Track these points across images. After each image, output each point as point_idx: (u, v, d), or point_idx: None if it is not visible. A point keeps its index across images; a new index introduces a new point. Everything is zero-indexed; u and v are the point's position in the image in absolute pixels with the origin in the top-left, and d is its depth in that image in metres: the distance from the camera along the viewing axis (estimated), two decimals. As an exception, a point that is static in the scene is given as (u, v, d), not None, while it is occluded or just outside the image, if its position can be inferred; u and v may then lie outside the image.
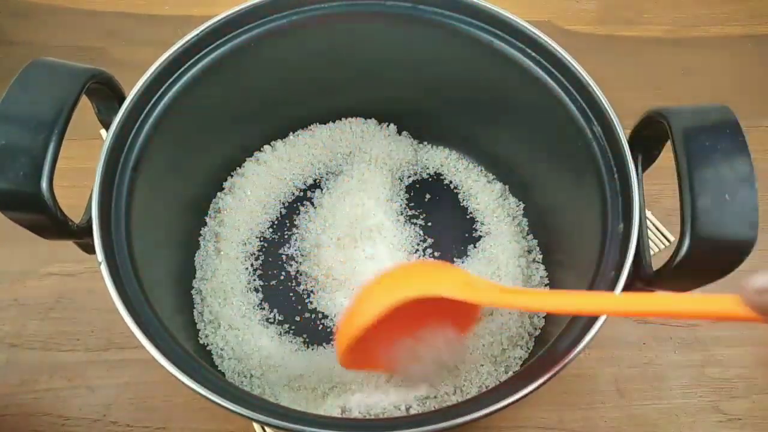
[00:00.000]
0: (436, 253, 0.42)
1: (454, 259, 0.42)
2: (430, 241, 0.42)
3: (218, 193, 0.43)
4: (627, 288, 0.29)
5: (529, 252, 0.41)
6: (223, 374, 0.37)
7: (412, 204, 0.44)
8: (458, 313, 0.32)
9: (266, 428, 0.38)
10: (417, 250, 0.42)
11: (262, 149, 0.44)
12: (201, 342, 0.38)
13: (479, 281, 0.28)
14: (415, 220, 0.43)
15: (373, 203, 0.42)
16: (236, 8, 0.35)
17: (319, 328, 0.39)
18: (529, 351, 0.37)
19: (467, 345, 0.36)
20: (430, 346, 0.33)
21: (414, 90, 0.42)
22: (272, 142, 0.44)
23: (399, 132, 0.46)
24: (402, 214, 0.43)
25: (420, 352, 0.33)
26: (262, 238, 0.42)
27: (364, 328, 0.28)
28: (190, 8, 0.56)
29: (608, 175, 0.32)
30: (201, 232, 0.41)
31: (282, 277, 0.41)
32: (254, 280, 0.41)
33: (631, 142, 0.32)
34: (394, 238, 0.41)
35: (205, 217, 0.42)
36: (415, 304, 0.28)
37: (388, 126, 0.45)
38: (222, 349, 0.37)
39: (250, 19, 0.36)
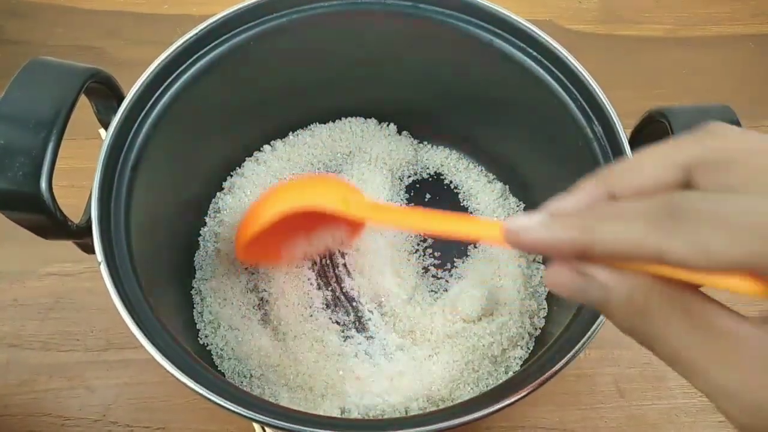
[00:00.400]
0: (436, 253, 0.42)
1: (455, 259, 0.42)
2: (430, 241, 0.42)
3: (218, 193, 0.43)
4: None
5: (530, 252, 0.41)
6: (223, 374, 0.37)
7: (412, 204, 0.44)
8: (347, 221, 0.36)
9: (266, 428, 0.38)
10: (417, 250, 0.42)
11: (261, 149, 0.44)
12: (201, 342, 0.38)
13: (355, 198, 0.32)
14: (415, 220, 0.43)
15: (373, 203, 0.42)
16: (236, 7, 0.35)
17: (319, 328, 0.39)
18: (529, 351, 0.37)
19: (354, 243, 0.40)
20: (319, 243, 0.38)
21: (414, 89, 0.42)
22: (272, 142, 0.44)
23: (399, 132, 0.46)
24: (402, 213, 0.43)
25: (310, 249, 0.39)
26: (261, 238, 0.42)
27: (258, 231, 0.33)
28: (189, 7, 0.56)
29: (609, 175, 0.32)
30: (201, 232, 0.41)
31: (282, 277, 0.41)
32: (254, 280, 0.41)
33: (632, 141, 0.32)
34: (394, 237, 0.41)
35: (205, 217, 0.42)
36: (307, 213, 0.32)
37: (388, 126, 0.45)
38: (222, 350, 0.37)
39: (250, 18, 0.36)
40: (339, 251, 0.42)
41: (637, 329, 0.17)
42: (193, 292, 0.39)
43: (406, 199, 0.44)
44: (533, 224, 0.18)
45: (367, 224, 0.38)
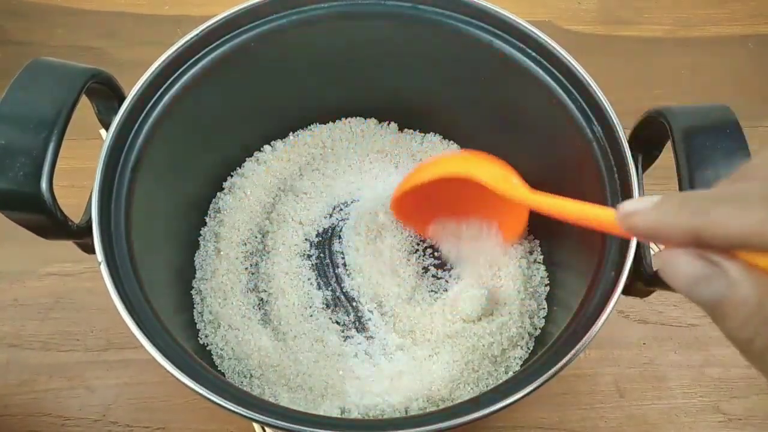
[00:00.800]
0: (436, 253, 0.42)
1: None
2: (430, 241, 0.42)
3: (218, 193, 0.43)
4: (627, 288, 0.29)
5: (531, 253, 0.41)
6: (223, 374, 0.37)
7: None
8: (506, 218, 0.38)
9: (266, 428, 0.38)
10: (417, 250, 0.42)
11: (262, 149, 0.44)
12: (201, 342, 0.38)
13: (515, 180, 0.33)
14: (415, 220, 0.43)
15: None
16: (236, 8, 0.35)
17: (319, 328, 0.39)
18: (529, 351, 0.37)
19: (504, 251, 0.40)
20: (471, 230, 0.39)
21: (414, 90, 0.42)
22: (272, 142, 0.44)
23: (400, 130, 0.46)
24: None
25: (460, 232, 0.39)
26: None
27: (412, 187, 0.35)
28: (190, 8, 0.56)
29: (608, 175, 0.32)
30: (201, 232, 0.41)
31: (282, 277, 0.41)
32: (254, 280, 0.41)
33: (631, 142, 0.32)
34: (393, 237, 0.41)
35: (205, 217, 0.42)
36: (465, 187, 0.33)
37: (388, 125, 0.45)
38: (222, 349, 0.37)
39: (250, 19, 0.36)
40: (340, 252, 0.42)
41: (760, 341, 0.15)
42: (193, 292, 0.39)
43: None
44: (645, 207, 0.17)
45: (523, 225, 0.39)
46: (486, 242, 0.39)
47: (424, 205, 0.38)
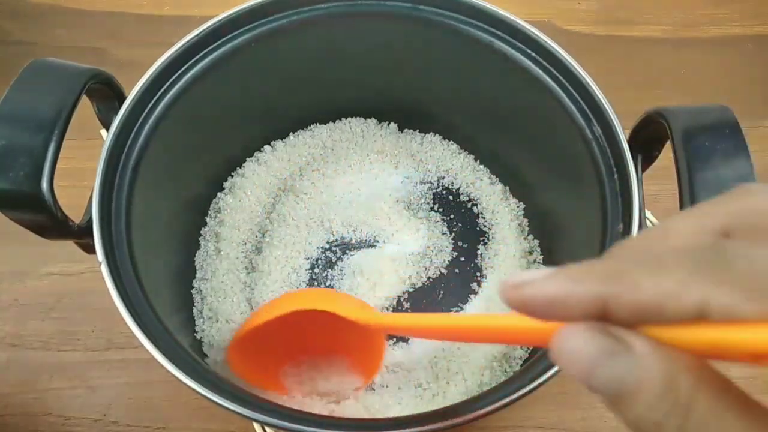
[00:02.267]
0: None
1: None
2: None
3: (218, 193, 0.43)
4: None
5: (531, 253, 0.41)
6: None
7: (417, 202, 0.44)
8: (361, 356, 0.35)
9: (266, 428, 0.38)
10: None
11: (262, 149, 0.44)
12: (197, 337, 0.37)
13: (370, 309, 0.31)
14: (415, 220, 0.43)
15: (373, 203, 0.42)
16: (236, 8, 0.35)
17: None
18: (529, 351, 0.37)
19: (361, 389, 0.36)
20: (326, 368, 0.35)
21: (414, 90, 0.42)
22: (272, 142, 0.44)
23: (400, 130, 0.46)
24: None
25: (314, 373, 0.35)
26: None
27: (255, 327, 0.31)
28: (190, 8, 0.56)
29: (608, 176, 0.32)
30: (201, 232, 0.41)
31: (282, 277, 0.41)
32: (254, 279, 0.41)
33: (631, 142, 0.32)
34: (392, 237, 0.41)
35: (206, 217, 0.42)
36: (315, 326, 0.31)
37: (388, 125, 0.45)
38: (213, 338, 0.37)
39: (251, 20, 0.36)
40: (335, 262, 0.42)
41: (670, 426, 0.13)
42: (193, 291, 0.39)
43: (410, 197, 0.44)
44: (541, 276, 0.15)
45: (382, 357, 0.35)
46: (343, 379, 0.35)
47: (265, 355, 0.34)
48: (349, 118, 0.45)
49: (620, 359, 0.13)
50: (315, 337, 0.33)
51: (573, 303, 0.14)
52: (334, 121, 0.45)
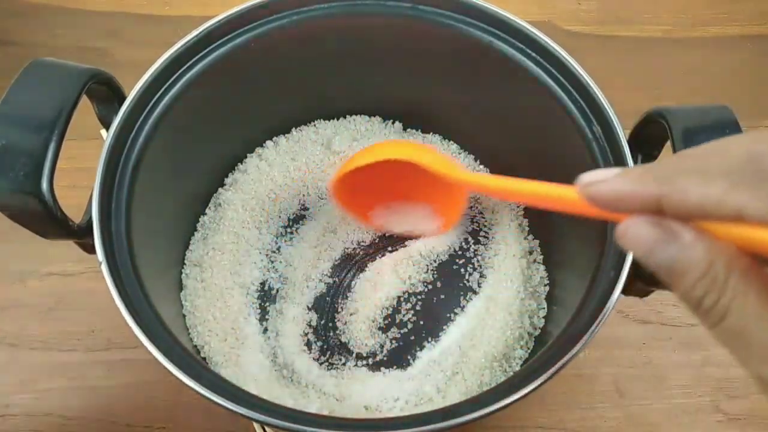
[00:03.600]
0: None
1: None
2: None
3: (219, 189, 0.43)
4: (627, 288, 0.29)
5: (530, 253, 0.41)
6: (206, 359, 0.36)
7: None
8: (444, 204, 0.39)
9: (266, 428, 0.38)
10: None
11: (264, 145, 0.44)
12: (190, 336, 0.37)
13: (456, 164, 0.34)
14: (415, 220, 0.43)
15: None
16: (236, 8, 0.35)
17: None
18: (529, 351, 0.37)
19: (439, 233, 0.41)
20: (408, 215, 0.40)
21: (414, 90, 0.42)
22: (275, 138, 0.44)
23: (404, 129, 0.46)
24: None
25: (399, 215, 0.40)
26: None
27: (352, 170, 0.34)
28: (190, 8, 0.56)
29: (608, 175, 0.32)
30: (198, 226, 0.41)
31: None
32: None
33: (631, 142, 0.32)
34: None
35: (206, 212, 0.42)
36: (403, 174, 0.34)
37: (393, 123, 0.45)
38: (210, 330, 0.37)
39: (251, 20, 0.36)
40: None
41: (709, 299, 0.16)
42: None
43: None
44: (609, 175, 0.18)
45: (463, 210, 0.39)
46: (424, 222, 0.40)
47: (361, 192, 0.38)
48: (354, 116, 0.45)
49: (671, 246, 0.17)
50: (404, 184, 0.36)
51: (635, 200, 0.17)
52: (338, 118, 0.45)
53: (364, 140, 0.44)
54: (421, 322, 0.39)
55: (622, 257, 0.29)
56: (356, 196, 0.38)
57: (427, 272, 0.41)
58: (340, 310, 0.40)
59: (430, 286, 0.41)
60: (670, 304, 0.44)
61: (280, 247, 0.42)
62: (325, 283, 0.40)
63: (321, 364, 0.38)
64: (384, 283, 0.40)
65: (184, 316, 0.38)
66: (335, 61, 0.40)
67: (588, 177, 0.19)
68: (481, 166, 0.45)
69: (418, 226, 0.40)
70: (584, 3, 0.58)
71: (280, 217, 0.43)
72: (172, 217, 0.38)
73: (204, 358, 0.37)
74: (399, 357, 0.38)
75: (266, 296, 0.40)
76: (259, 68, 0.38)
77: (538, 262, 0.41)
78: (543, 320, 0.38)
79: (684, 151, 0.18)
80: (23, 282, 0.43)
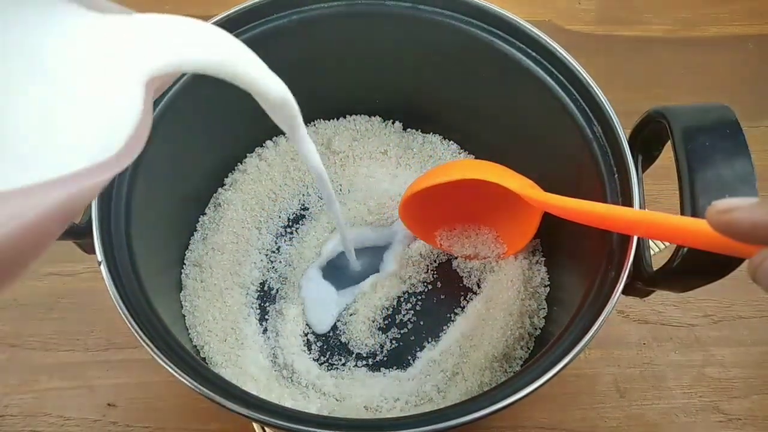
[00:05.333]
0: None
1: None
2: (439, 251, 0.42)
3: (219, 189, 0.43)
4: (627, 288, 0.29)
5: (533, 253, 0.41)
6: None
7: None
8: (512, 228, 0.38)
9: (266, 428, 0.38)
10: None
11: (264, 144, 0.44)
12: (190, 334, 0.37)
13: (536, 187, 0.33)
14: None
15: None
16: (237, 8, 0.35)
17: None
18: (529, 351, 0.37)
19: (501, 258, 0.40)
20: (471, 239, 0.39)
21: (414, 90, 0.42)
22: (274, 138, 0.44)
23: (404, 129, 0.45)
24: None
25: (463, 238, 0.39)
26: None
27: (425, 188, 0.34)
28: (190, 8, 0.56)
29: (608, 175, 0.32)
30: (198, 226, 0.41)
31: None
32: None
33: (631, 142, 0.32)
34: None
35: (205, 211, 0.42)
36: (474, 196, 0.34)
37: (393, 123, 0.45)
38: (209, 329, 0.37)
39: (251, 19, 0.36)
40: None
41: None
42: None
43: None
44: (745, 204, 0.17)
45: (535, 231, 0.37)
46: (488, 247, 0.40)
47: (430, 212, 0.37)
48: (354, 116, 0.45)
49: None
50: (471, 207, 0.36)
51: None
52: (338, 118, 0.45)
53: (364, 140, 0.44)
54: (421, 323, 0.39)
55: (623, 257, 0.29)
56: (424, 215, 0.38)
57: (427, 272, 0.41)
58: (340, 310, 0.40)
59: (430, 286, 0.41)
60: (671, 304, 0.44)
61: (280, 247, 0.42)
62: (325, 283, 0.40)
63: (321, 364, 0.38)
64: (384, 282, 0.40)
65: (183, 316, 0.38)
66: (335, 61, 0.40)
67: (722, 204, 0.18)
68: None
69: (482, 250, 0.40)
70: (584, 3, 0.58)
71: (280, 217, 0.43)
72: (172, 217, 0.38)
73: (204, 359, 0.36)
74: (399, 357, 0.38)
75: (266, 296, 0.40)
76: (259, 68, 0.38)
77: (539, 263, 0.41)
78: (543, 320, 0.38)
79: None
80: (23, 282, 0.43)
